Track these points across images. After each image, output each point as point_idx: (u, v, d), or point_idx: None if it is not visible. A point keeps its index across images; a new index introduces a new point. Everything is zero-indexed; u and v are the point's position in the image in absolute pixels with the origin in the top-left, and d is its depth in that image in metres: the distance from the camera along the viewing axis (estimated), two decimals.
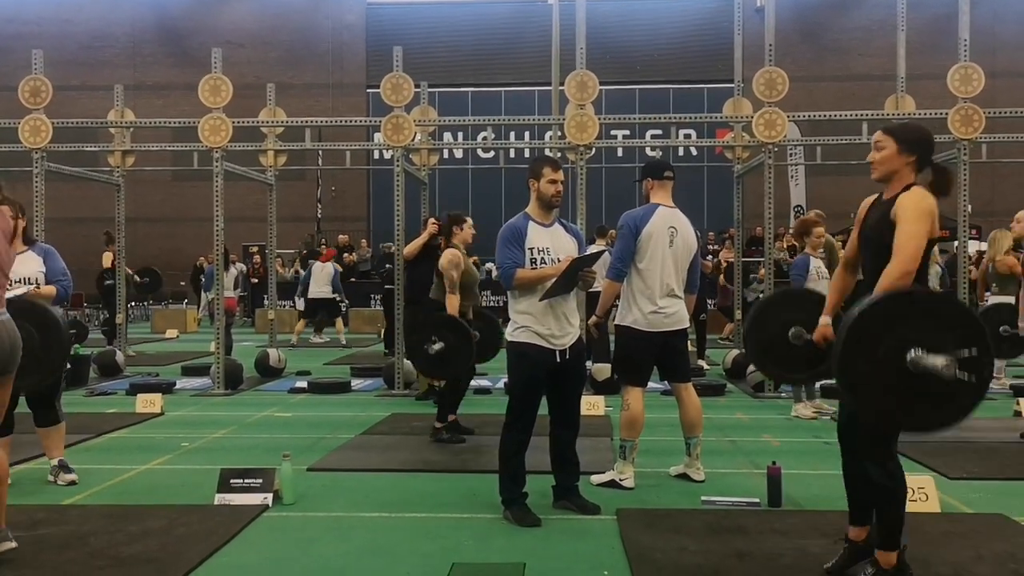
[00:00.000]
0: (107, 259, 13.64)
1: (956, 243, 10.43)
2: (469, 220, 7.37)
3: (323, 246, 23.30)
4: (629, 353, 5.59)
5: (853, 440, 3.80)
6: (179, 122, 11.00)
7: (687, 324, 5.73)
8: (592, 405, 7.92)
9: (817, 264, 7.95)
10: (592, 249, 5.94)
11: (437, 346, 6.60)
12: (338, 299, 15.94)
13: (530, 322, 4.86)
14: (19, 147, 9.99)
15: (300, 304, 16.42)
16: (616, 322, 5.67)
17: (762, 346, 4.30)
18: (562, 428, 5.06)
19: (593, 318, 5.80)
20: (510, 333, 4.96)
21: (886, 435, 3.63)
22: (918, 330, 3.24)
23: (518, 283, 4.85)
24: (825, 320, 3.92)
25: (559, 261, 4.88)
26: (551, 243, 4.96)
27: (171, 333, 18.21)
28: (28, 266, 5.50)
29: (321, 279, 15.60)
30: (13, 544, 4.17)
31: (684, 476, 5.78)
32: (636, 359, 5.57)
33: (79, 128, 11.40)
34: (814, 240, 8.00)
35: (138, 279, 15.30)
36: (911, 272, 3.52)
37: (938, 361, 3.17)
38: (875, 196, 3.87)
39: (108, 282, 14.12)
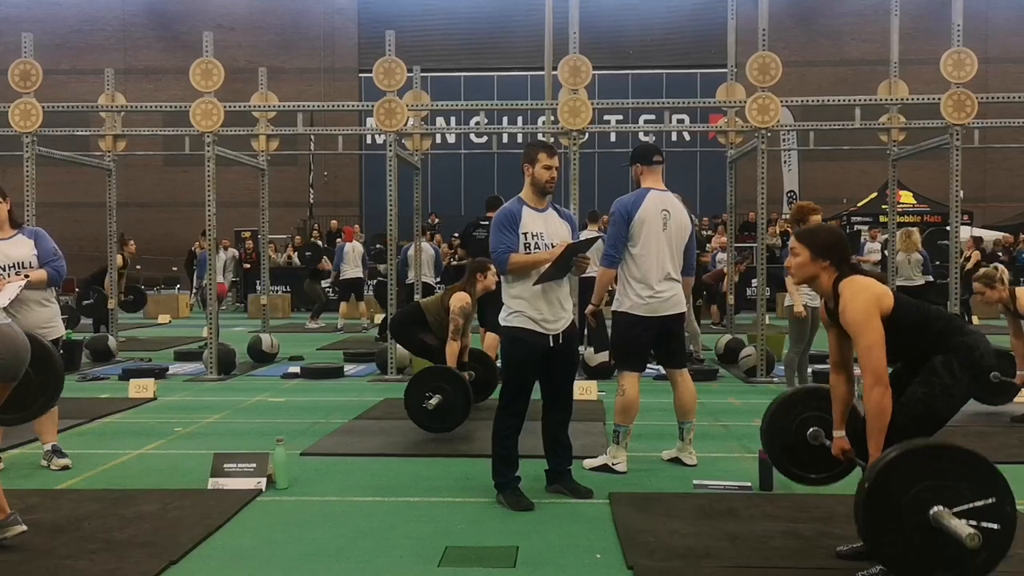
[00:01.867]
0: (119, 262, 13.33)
1: (948, 228, 10.46)
2: (493, 268, 6.90)
3: (316, 231, 23.32)
4: (626, 339, 5.59)
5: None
6: (171, 106, 10.94)
7: (684, 308, 5.74)
8: (585, 390, 7.94)
9: None
10: (585, 235, 5.93)
11: (434, 400, 6.44)
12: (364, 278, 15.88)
13: (523, 307, 4.87)
14: (9, 131, 9.94)
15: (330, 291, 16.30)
16: (613, 308, 5.68)
17: (781, 448, 4.29)
18: (555, 412, 5.07)
19: (590, 307, 5.81)
20: (504, 318, 4.97)
21: (907, 433, 3.62)
22: (932, 483, 3.23)
23: (512, 267, 4.86)
24: (839, 434, 3.96)
25: (553, 246, 4.88)
26: (545, 228, 4.96)
27: (163, 318, 18.18)
28: (19, 250, 5.44)
29: (352, 259, 15.50)
30: (23, 528, 4.12)
31: (676, 460, 5.81)
32: (633, 344, 5.58)
33: (70, 112, 11.34)
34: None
35: (122, 296, 14.82)
36: (883, 374, 3.62)
37: (962, 531, 3.11)
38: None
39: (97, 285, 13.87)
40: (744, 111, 9.84)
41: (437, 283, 13.84)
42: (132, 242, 15.80)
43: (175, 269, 24.53)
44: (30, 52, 9.79)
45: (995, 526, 3.18)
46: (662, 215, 5.52)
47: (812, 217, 7.78)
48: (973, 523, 3.16)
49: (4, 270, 5.31)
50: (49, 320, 5.54)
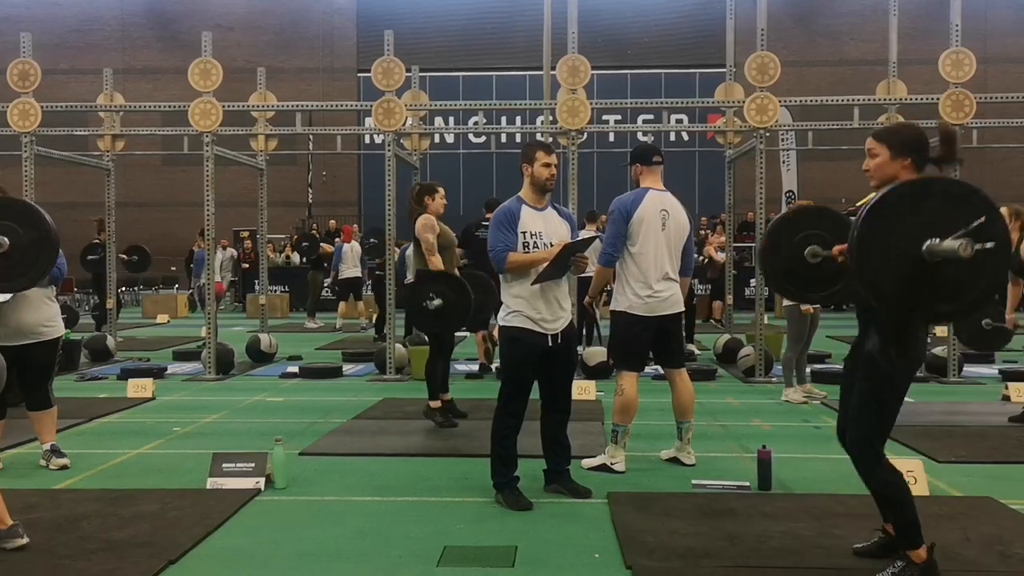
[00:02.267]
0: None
1: None
2: (441, 191, 7.35)
3: (315, 230, 23.30)
4: (625, 338, 5.60)
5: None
6: (169, 106, 10.93)
7: (683, 307, 5.75)
8: (583, 390, 7.94)
9: None
10: (584, 234, 5.94)
11: (436, 302, 6.68)
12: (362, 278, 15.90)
13: (522, 306, 4.87)
14: (7, 131, 9.93)
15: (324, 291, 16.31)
16: (611, 308, 5.69)
17: (778, 266, 4.25)
18: (554, 412, 5.07)
19: (587, 299, 5.90)
20: (502, 318, 4.97)
21: (873, 435, 3.59)
22: (927, 217, 3.14)
23: (510, 266, 4.86)
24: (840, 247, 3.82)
25: (552, 245, 4.89)
26: (544, 227, 4.96)
27: (162, 318, 18.18)
28: None
29: (351, 259, 15.51)
30: (25, 540, 4.08)
31: (675, 460, 5.81)
32: (632, 344, 5.58)
33: (68, 112, 11.33)
34: None
35: (124, 256, 15.11)
36: None
37: (953, 244, 3.04)
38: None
39: (91, 257, 14.07)
40: (743, 111, 9.85)
41: None
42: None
43: (173, 269, 24.47)
44: (28, 52, 9.78)
45: (990, 244, 3.10)
46: (661, 215, 5.53)
47: None
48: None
49: None
50: (50, 319, 5.54)
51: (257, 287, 15.64)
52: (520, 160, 5.08)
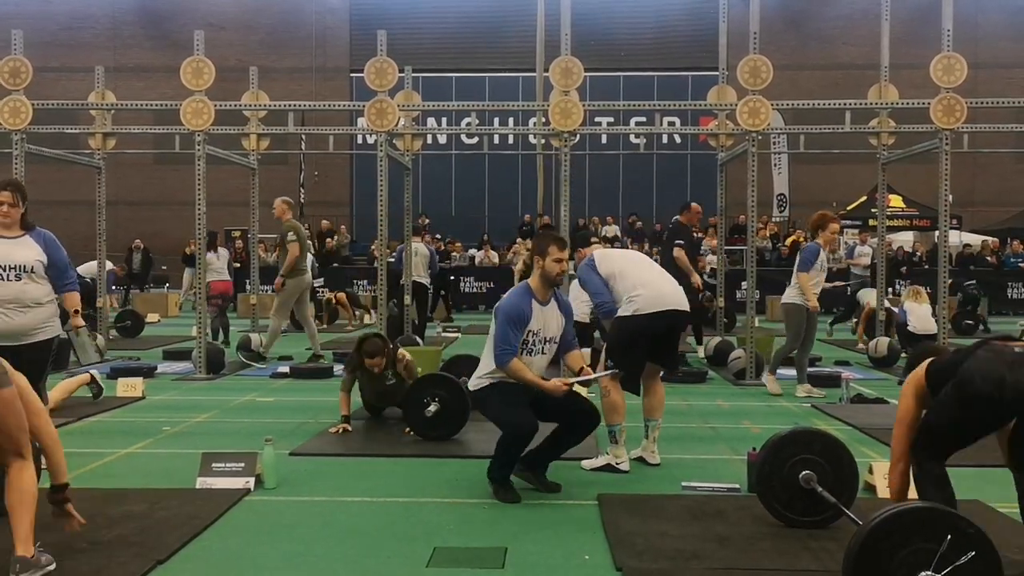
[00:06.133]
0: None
1: (936, 232, 10.50)
2: (555, 246, 5.42)
3: (307, 229, 23.28)
4: (626, 340, 5.62)
5: None
6: (161, 105, 10.92)
7: (687, 307, 5.87)
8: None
9: (823, 256, 8.58)
10: (595, 372, 5.67)
11: (432, 408, 6.41)
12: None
13: (500, 378, 5.05)
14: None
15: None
16: (618, 314, 5.72)
17: (777, 500, 4.42)
18: (572, 436, 5.19)
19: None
20: (476, 380, 5.14)
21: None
22: (921, 545, 3.15)
23: (508, 371, 4.97)
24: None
25: (547, 340, 5.11)
26: (543, 324, 5.11)
27: (152, 317, 18.09)
28: (23, 252, 5.26)
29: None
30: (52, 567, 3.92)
31: (641, 460, 5.84)
32: (632, 345, 5.61)
33: (59, 110, 11.30)
34: (828, 235, 8.60)
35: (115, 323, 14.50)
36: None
37: None
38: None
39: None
40: (735, 114, 9.87)
41: (430, 284, 13.83)
42: None
43: (164, 268, 24.42)
44: (20, 49, 9.75)
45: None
46: (618, 250, 5.94)
47: (831, 225, 8.56)
48: None
49: (4, 271, 5.17)
50: (47, 319, 5.48)
51: (248, 287, 15.60)
52: (533, 251, 5.25)
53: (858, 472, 4.54)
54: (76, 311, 5.55)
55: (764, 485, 4.47)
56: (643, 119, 20.87)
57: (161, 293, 21.96)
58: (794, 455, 4.41)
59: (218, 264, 12.99)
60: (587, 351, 9.39)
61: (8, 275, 5.20)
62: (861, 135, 11.68)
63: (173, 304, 20.01)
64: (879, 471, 5.12)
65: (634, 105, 13.22)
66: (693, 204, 10.76)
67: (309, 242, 19.72)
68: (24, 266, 5.24)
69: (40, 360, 5.47)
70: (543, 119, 10.98)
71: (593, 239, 6.46)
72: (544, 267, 5.11)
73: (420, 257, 13.10)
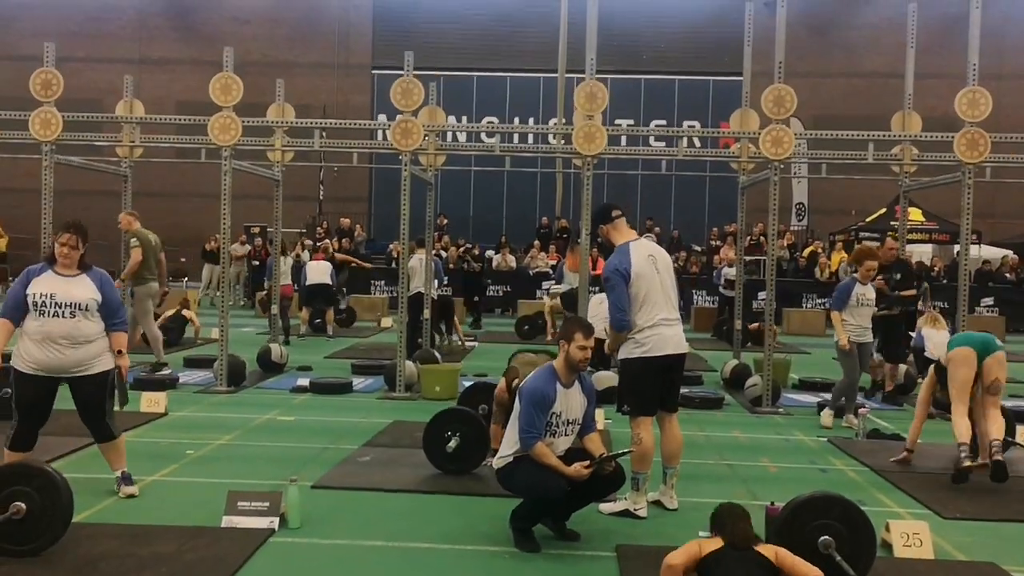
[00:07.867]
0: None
1: (957, 249, 10.48)
2: (580, 333, 5.36)
3: (323, 227, 23.41)
4: (637, 384, 5.73)
5: None
6: (188, 120, 11.04)
7: (687, 348, 5.97)
8: None
9: (862, 291, 8.72)
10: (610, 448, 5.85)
11: (453, 443, 6.46)
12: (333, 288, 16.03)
13: (525, 454, 5.13)
14: (15, 115, 10.02)
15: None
16: (621, 357, 5.80)
17: (790, 546, 4.39)
18: (593, 495, 5.32)
19: (607, 349, 6.47)
20: (499, 459, 5.23)
21: None
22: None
23: (533, 456, 5.05)
24: None
25: (570, 423, 5.20)
26: (567, 406, 5.19)
27: (171, 312, 18.18)
28: (80, 290, 5.46)
29: (317, 272, 15.66)
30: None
31: (658, 503, 5.92)
32: (644, 388, 5.72)
33: (85, 100, 11.37)
34: (864, 271, 8.76)
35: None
36: None
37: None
38: None
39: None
40: (758, 140, 9.86)
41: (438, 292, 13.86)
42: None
43: (184, 260, 24.56)
44: (51, 61, 9.84)
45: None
46: (649, 260, 5.79)
47: (867, 261, 8.76)
48: None
49: (60, 307, 5.39)
50: (98, 354, 5.58)
51: (267, 285, 15.70)
52: (559, 335, 5.33)
53: (875, 536, 4.59)
54: (120, 351, 5.66)
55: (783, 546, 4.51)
56: (663, 122, 20.81)
57: (179, 288, 22.05)
58: (814, 519, 4.45)
59: (285, 268, 13.37)
60: (605, 373, 9.46)
61: (64, 312, 5.40)
62: (883, 157, 11.61)
63: (192, 300, 20.10)
64: (896, 530, 5.18)
65: (655, 129, 13.21)
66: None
67: (328, 243, 19.94)
68: (80, 304, 5.45)
69: (97, 395, 5.63)
70: (563, 142, 10.99)
71: (615, 213, 5.96)
72: (569, 352, 5.19)
73: (423, 269, 13.07)
